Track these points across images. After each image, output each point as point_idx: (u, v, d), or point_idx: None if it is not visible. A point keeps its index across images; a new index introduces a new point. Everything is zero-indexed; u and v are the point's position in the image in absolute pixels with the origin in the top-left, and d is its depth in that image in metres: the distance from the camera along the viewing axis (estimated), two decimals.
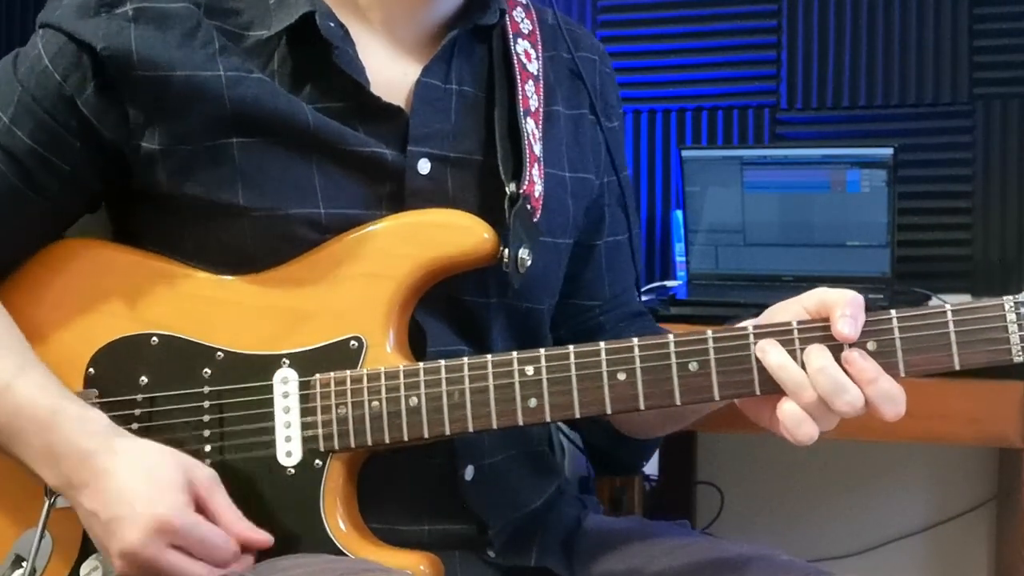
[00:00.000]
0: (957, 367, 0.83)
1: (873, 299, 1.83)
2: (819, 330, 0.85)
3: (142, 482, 0.86)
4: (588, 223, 1.12)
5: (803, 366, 0.84)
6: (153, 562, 0.85)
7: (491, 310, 1.01)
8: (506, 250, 0.95)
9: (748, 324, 0.87)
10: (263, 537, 0.90)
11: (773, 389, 0.86)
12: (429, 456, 0.96)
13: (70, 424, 0.89)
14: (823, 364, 0.84)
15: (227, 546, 0.88)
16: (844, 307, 0.84)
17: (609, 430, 1.14)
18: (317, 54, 0.95)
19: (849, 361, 0.84)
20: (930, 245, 2.16)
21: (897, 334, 0.84)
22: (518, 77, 1.02)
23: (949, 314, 0.83)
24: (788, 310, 0.88)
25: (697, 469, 2.34)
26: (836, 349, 0.84)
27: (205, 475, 0.90)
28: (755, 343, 0.86)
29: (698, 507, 2.36)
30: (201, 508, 0.88)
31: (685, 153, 2.07)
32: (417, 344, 0.97)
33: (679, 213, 2.11)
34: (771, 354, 0.85)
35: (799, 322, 0.86)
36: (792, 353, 0.85)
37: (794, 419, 0.84)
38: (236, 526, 0.89)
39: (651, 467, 2.20)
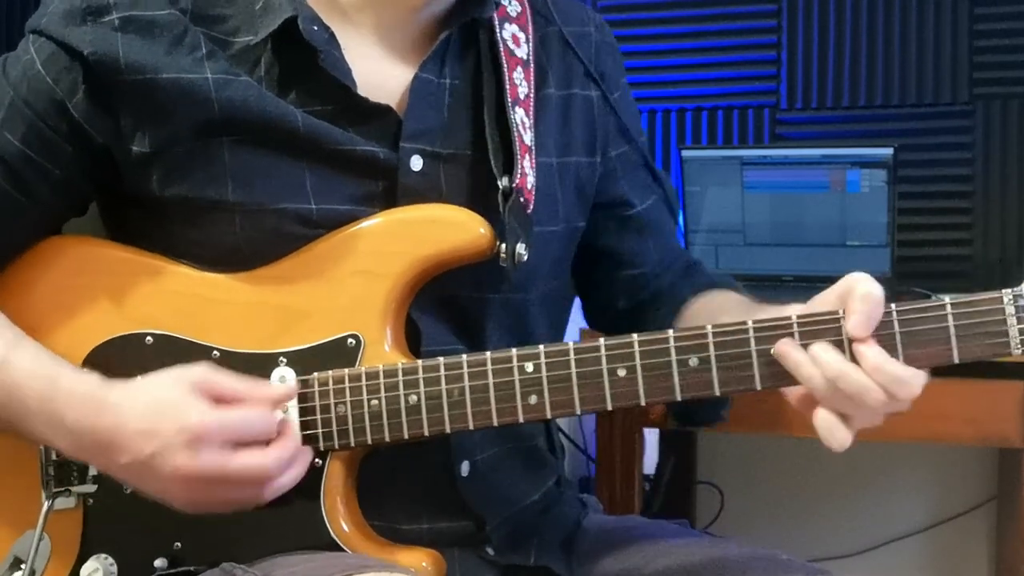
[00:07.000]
0: (956, 360, 0.83)
1: None
2: (818, 324, 0.85)
3: (154, 412, 0.86)
4: (609, 200, 1.11)
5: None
6: (217, 469, 0.85)
7: (486, 305, 1.00)
8: (503, 245, 0.94)
9: (749, 321, 0.87)
10: (284, 388, 0.91)
11: (775, 384, 0.86)
12: (425, 453, 0.96)
13: (68, 389, 0.89)
14: (841, 368, 0.83)
15: (266, 416, 0.88)
16: (857, 302, 0.83)
17: None
18: (303, 58, 0.94)
19: (858, 355, 0.83)
20: (930, 245, 2.16)
21: (897, 328, 0.84)
22: (505, 67, 1.01)
23: (948, 307, 0.83)
24: (825, 300, 0.87)
25: (697, 469, 2.34)
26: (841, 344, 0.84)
27: (200, 371, 0.89)
28: (754, 338, 0.86)
29: (698, 507, 2.36)
30: (217, 400, 0.88)
31: (685, 153, 2.07)
32: (411, 343, 0.96)
33: (679, 213, 2.11)
34: (790, 356, 0.84)
35: (799, 317, 0.85)
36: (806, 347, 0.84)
37: (827, 426, 0.84)
38: (257, 394, 0.89)
39: (650, 467, 2.20)
